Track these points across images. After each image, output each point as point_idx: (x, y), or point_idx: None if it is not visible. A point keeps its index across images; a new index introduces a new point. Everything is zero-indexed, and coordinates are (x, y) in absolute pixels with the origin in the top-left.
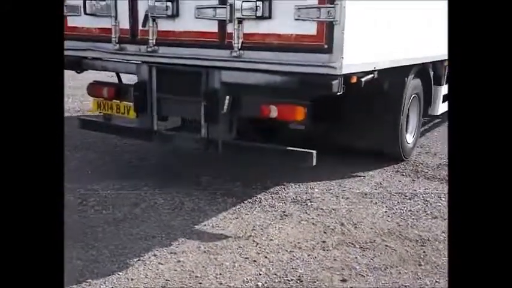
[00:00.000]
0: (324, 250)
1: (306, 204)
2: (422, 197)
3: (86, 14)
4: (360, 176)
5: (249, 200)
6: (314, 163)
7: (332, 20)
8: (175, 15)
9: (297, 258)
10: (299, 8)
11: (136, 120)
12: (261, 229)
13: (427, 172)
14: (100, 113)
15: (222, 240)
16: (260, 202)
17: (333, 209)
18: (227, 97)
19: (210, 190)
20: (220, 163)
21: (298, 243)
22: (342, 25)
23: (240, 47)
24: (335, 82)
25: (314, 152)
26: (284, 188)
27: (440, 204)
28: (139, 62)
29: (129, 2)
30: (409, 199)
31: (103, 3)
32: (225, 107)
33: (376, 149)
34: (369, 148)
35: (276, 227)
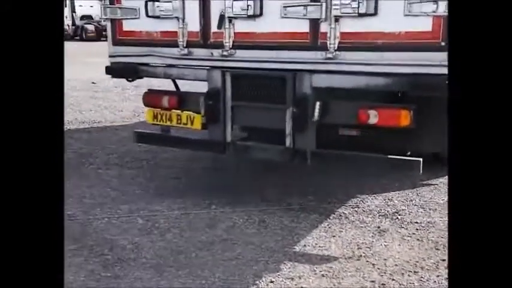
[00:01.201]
0: None
1: (397, 218)
2: None
3: (147, 16)
4: (432, 185)
5: (333, 216)
6: (421, 171)
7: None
8: (257, 15)
9: (429, 280)
10: (411, 3)
11: (202, 131)
12: (367, 248)
13: None
14: (156, 124)
15: (334, 261)
16: (347, 217)
17: (429, 222)
18: (318, 103)
19: (284, 205)
20: (274, 174)
21: (417, 262)
22: None
23: (336, 48)
24: None
25: (421, 159)
26: (361, 201)
27: None
28: (209, 67)
29: (200, 2)
30: None
31: (168, 4)
32: (316, 113)
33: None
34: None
35: (381, 245)
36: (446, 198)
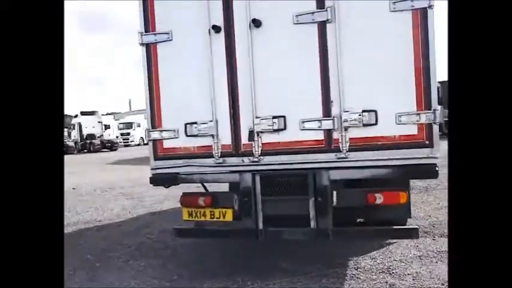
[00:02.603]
0: None
1: (394, 272)
2: None
3: (186, 136)
4: (394, 242)
5: (347, 277)
6: (418, 237)
7: (432, 121)
8: (281, 129)
9: None
10: (400, 115)
11: (235, 222)
12: None
13: None
14: (191, 220)
15: None
16: (358, 277)
17: (417, 272)
18: (334, 192)
19: (307, 276)
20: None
21: None
22: (438, 124)
23: (347, 150)
24: (437, 169)
25: (417, 227)
26: (357, 261)
27: None
28: (241, 171)
29: (231, 122)
30: None
31: (204, 125)
32: (334, 200)
33: None
34: None
35: None
36: (411, 252)
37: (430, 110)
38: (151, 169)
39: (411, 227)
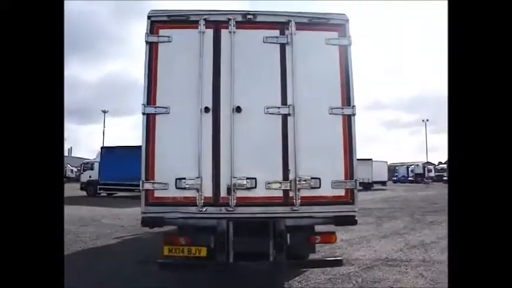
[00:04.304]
0: None
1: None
2: None
3: (176, 188)
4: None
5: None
6: (343, 265)
7: (353, 187)
8: (253, 187)
9: None
10: (334, 182)
11: (209, 257)
12: None
13: None
14: (170, 256)
15: None
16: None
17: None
18: (288, 234)
19: None
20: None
21: None
22: (357, 189)
23: (299, 204)
24: (356, 218)
25: (342, 258)
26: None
27: None
28: (218, 218)
29: (213, 180)
30: None
31: (191, 181)
32: (288, 240)
33: None
34: None
35: None
36: (321, 276)
37: (353, 179)
38: (142, 213)
39: (338, 258)
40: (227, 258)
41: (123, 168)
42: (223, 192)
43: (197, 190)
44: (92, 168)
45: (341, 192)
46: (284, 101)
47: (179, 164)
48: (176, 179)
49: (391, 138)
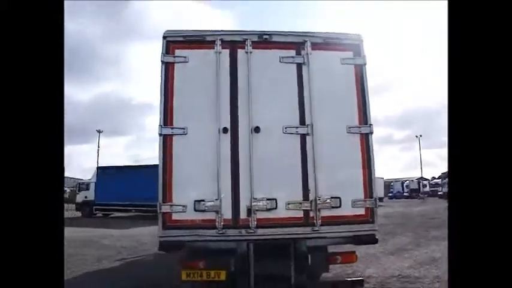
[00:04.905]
0: None
1: None
2: None
3: (195, 211)
4: None
5: None
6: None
7: (373, 206)
8: (273, 208)
9: None
10: (354, 201)
11: (228, 281)
12: None
13: None
14: (188, 281)
15: None
16: None
17: None
18: (309, 255)
19: None
20: None
21: None
22: (377, 207)
23: (320, 224)
24: (377, 237)
25: (363, 278)
26: None
27: None
28: (238, 240)
29: (232, 202)
30: None
31: (210, 203)
32: (309, 261)
33: None
34: None
35: None
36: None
37: (372, 198)
38: (159, 236)
39: (359, 278)
40: (248, 281)
41: (119, 188)
42: (243, 214)
43: (216, 212)
44: (87, 189)
45: (361, 211)
46: (302, 121)
47: (197, 185)
48: (195, 201)
49: (384, 155)
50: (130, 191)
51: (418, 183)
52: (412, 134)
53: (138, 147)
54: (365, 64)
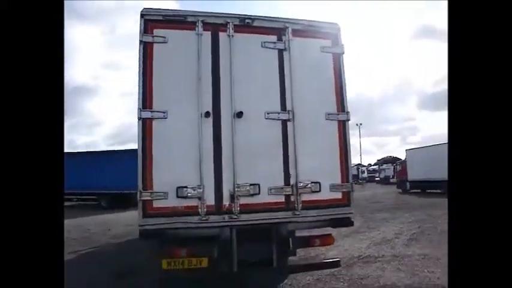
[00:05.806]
0: None
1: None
2: None
3: (177, 197)
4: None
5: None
6: (340, 265)
7: (350, 190)
8: (256, 193)
9: None
10: (332, 185)
11: (210, 267)
12: None
13: None
14: (170, 269)
15: None
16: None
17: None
18: (290, 239)
19: None
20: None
21: None
22: (353, 191)
23: (300, 208)
24: (352, 220)
25: (339, 259)
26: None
27: None
28: (220, 226)
29: (215, 188)
30: None
31: (193, 189)
32: (291, 245)
33: None
34: None
35: None
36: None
37: (349, 182)
38: (140, 225)
39: (336, 259)
40: (231, 266)
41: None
42: (225, 200)
43: (199, 198)
44: None
45: (339, 195)
46: (283, 107)
47: (179, 171)
48: (177, 188)
49: None
50: (71, 179)
51: (357, 169)
52: (353, 123)
53: (76, 133)
54: (343, 53)
